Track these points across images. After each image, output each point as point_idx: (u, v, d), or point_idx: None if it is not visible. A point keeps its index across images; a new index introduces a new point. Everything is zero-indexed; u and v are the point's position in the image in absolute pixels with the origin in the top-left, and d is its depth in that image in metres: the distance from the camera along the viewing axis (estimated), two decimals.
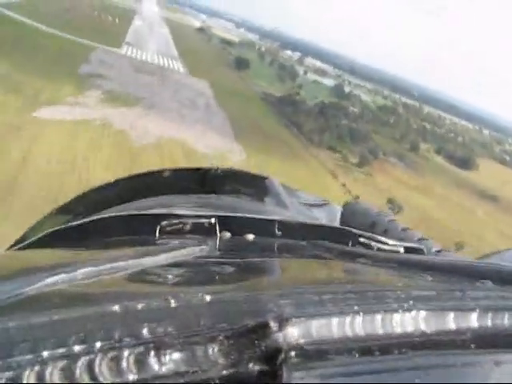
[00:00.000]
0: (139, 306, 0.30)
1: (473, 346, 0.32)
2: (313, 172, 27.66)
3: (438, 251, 0.86)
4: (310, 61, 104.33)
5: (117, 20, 59.98)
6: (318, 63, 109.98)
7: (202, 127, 27.16)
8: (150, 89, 30.54)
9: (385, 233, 0.93)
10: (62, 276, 0.37)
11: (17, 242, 0.87)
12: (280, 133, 34.43)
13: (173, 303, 0.31)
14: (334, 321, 0.31)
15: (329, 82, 78.92)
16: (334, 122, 41.89)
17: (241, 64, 56.60)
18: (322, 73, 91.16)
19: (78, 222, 0.66)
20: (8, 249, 0.84)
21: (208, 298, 0.32)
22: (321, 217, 1.18)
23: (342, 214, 1.19)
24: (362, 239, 0.69)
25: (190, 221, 0.63)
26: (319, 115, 43.19)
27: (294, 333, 0.29)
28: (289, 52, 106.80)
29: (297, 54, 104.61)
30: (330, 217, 1.21)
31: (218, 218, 0.64)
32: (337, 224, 1.11)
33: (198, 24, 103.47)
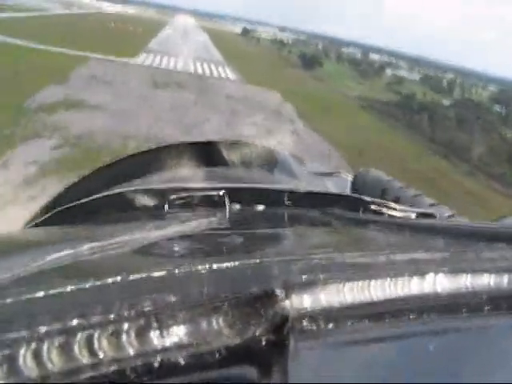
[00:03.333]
0: (140, 278, 0.29)
1: (488, 308, 0.31)
2: None
3: (450, 216, 0.85)
4: (373, 56, 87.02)
5: (140, 29, 46.06)
6: (378, 57, 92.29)
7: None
8: (180, 114, 15.00)
9: (396, 199, 0.92)
10: (66, 252, 0.37)
11: (31, 220, 0.88)
12: (426, 162, 17.55)
13: (175, 273, 0.30)
14: (344, 286, 0.29)
15: (413, 76, 61.49)
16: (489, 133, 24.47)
17: (310, 62, 40.39)
18: (395, 66, 73.40)
19: (87, 199, 0.66)
20: (24, 226, 0.84)
21: (211, 266, 0.31)
22: (331, 186, 1.15)
23: (353, 183, 1.17)
24: (372, 206, 0.69)
25: (199, 193, 0.64)
26: (460, 123, 25.88)
27: (301, 300, 0.28)
28: (346, 49, 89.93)
29: (357, 50, 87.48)
30: (341, 186, 1.17)
31: (227, 189, 0.64)
32: (347, 192, 1.06)
33: (238, 30, 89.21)
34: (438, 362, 0.28)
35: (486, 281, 0.32)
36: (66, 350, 0.24)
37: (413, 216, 0.68)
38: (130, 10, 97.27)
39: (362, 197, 0.72)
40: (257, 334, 0.27)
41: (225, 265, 0.32)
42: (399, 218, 0.66)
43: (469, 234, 0.44)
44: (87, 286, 0.28)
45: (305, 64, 40.76)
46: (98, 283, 0.29)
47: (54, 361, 0.23)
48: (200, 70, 27.32)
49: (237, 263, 0.32)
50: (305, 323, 0.27)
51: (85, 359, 0.24)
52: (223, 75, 27.13)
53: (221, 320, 0.27)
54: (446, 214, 0.84)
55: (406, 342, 0.28)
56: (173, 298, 0.27)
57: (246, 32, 77.52)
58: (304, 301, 0.28)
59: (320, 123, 17.89)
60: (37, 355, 0.23)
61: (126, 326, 0.25)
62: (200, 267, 0.31)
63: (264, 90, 23.69)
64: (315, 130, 16.75)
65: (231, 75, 27.52)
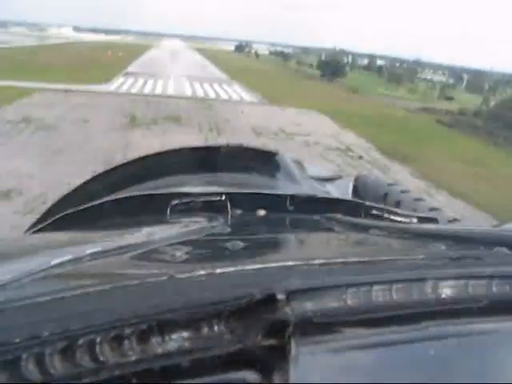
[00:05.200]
0: (142, 283, 0.29)
1: (489, 313, 0.31)
2: None
3: (452, 220, 0.85)
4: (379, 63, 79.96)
5: (120, 53, 38.60)
6: (383, 63, 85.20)
7: None
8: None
9: (397, 204, 0.93)
10: (69, 257, 0.37)
11: (33, 225, 0.88)
12: None
13: (176, 279, 0.30)
14: (345, 292, 0.29)
15: (438, 78, 54.00)
16: None
17: (329, 72, 32.61)
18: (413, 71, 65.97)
19: (89, 205, 0.67)
20: (26, 231, 0.84)
21: (213, 272, 0.31)
22: (332, 190, 1.13)
23: (354, 187, 1.16)
24: (374, 211, 0.69)
25: (201, 199, 0.64)
26: None
27: (302, 305, 0.28)
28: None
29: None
30: (342, 190, 1.15)
31: (229, 194, 0.64)
32: (349, 197, 1.06)
33: (230, 48, 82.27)
34: (439, 367, 0.27)
35: (487, 286, 0.32)
36: (68, 354, 0.23)
37: (414, 221, 0.68)
38: (114, 38, 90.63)
39: (364, 202, 0.72)
40: (258, 338, 0.26)
41: (226, 270, 0.31)
42: (401, 222, 0.66)
43: (470, 238, 0.44)
44: (90, 291, 0.28)
45: (324, 74, 33.01)
46: (101, 288, 0.28)
47: (57, 366, 0.23)
48: (200, 92, 19.37)
49: (238, 268, 0.32)
50: (306, 328, 0.27)
51: (87, 364, 0.24)
52: (234, 96, 19.12)
53: (222, 325, 0.26)
54: (447, 219, 0.82)
55: (407, 347, 0.28)
56: (174, 304, 0.26)
57: (240, 48, 70.57)
58: (305, 306, 0.28)
59: (435, 169, 9.75)
60: (39, 360, 0.23)
61: (127, 331, 0.25)
62: (202, 272, 0.31)
63: (300, 112, 15.69)
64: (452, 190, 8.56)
65: (245, 95, 19.53)
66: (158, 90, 18.45)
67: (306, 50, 64.65)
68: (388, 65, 49.80)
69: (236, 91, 20.68)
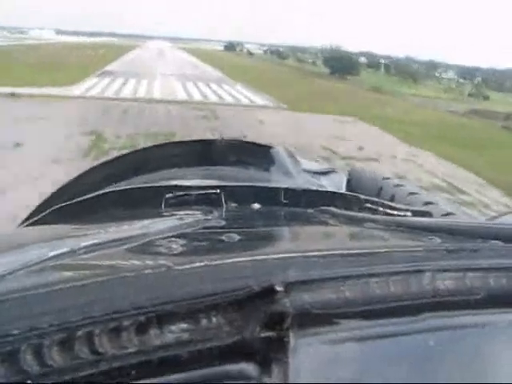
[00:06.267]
0: (139, 275, 0.29)
1: (486, 305, 0.32)
2: None
3: (446, 214, 0.85)
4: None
5: (102, 51, 34.21)
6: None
7: None
8: None
9: (392, 198, 0.93)
10: (66, 249, 0.37)
11: (26, 219, 0.87)
12: None
13: (174, 270, 0.30)
14: (343, 283, 0.29)
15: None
16: None
17: (340, 67, 28.52)
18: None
19: (83, 198, 0.67)
20: (20, 225, 0.84)
21: (210, 264, 0.31)
22: (326, 184, 1.14)
23: (349, 181, 1.15)
24: (368, 205, 0.69)
25: (195, 192, 0.64)
26: None
27: (300, 297, 0.28)
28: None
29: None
30: (336, 184, 1.16)
31: (223, 188, 0.65)
32: (343, 191, 1.05)
33: (219, 47, 77.85)
34: (436, 358, 0.28)
35: (484, 278, 0.32)
36: (66, 346, 0.24)
37: (409, 214, 0.68)
38: (97, 40, 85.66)
39: (359, 195, 0.72)
40: (256, 330, 0.26)
41: (224, 262, 0.32)
42: (396, 216, 0.66)
43: (465, 231, 0.44)
44: (88, 282, 0.28)
45: (333, 72, 28.90)
46: (99, 280, 0.28)
47: (55, 357, 0.23)
48: (196, 94, 15.04)
49: (236, 260, 0.32)
50: (304, 319, 0.27)
51: (85, 356, 0.24)
52: (242, 99, 14.78)
53: (221, 316, 0.26)
54: (441, 213, 0.83)
55: (405, 339, 0.28)
56: (173, 295, 0.26)
57: (230, 47, 66.09)
58: (303, 297, 0.28)
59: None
60: (38, 352, 0.23)
61: (126, 322, 0.25)
62: (199, 264, 0.31)
63: (336, 120, 11.48)
64: None
65: (254, 97, 15.21)
66: (141, 93, 14.06)
67: (294, 49, 60.53)
68: (392, 63, 45.76)
69: (241, 92, 16.36)
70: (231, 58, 42.18)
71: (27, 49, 32.34)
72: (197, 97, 14.43)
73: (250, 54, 55.08)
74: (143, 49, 51.21)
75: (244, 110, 12.26)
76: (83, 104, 10.86)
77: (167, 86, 16.32)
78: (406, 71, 34.71)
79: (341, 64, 28.71)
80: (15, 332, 0.23)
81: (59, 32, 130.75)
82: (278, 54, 52.48)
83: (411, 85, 29.65)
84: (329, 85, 22.72)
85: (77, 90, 13.37)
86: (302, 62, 41.93)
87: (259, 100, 14.60)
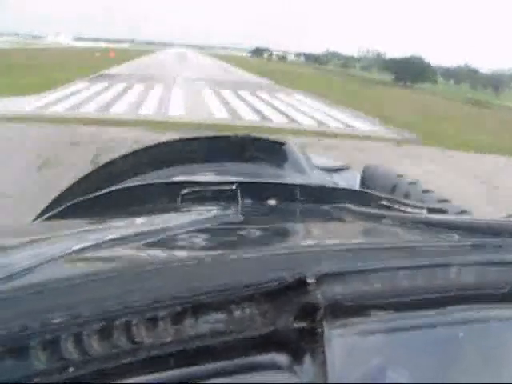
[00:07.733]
0: (173, 267, 0.30)
1: (505, 299, 0.32)
2: None
3: (461, 212, 0.85)
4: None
5: (97, 54, 28.72)
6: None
7: None
8: None
9: (406, 195, 0.93)
10: (90, 243, 0.37)
11: (42, 213, 0.87)
12: None
13: (207, 263, 0.31)
14: (374, 276, 0.30)
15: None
16: None
17: (407, 75, 22.32)
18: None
19: (101, 193, 0.67)
20: (34, 220, 0.84)
21: (242, 256, 0.31)
22: (340, 181, 1.12)
23: (362, 178, 1.15)
24: (383, 202, 0.69)
25: (212, 188, 0.64)
26: None
27: (332, 289, 0.28)
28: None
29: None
30: (349, 181, 1.15)
31: (240, 184, 0.65)
32: (357, 188, 1.07)
33: (243, 54, 72.24)
34: (463, 351, 0.28)
35: (509, 273, 0.33)
36: (105, 335, 0.24)
37: (424, 212, 0.67)
38: (113, 45, 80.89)
39: (375, 192, 0.72)
40: (289, 321, 0.27)
41: (255, 254, 0.32)
42: (412, 213, 0.66)
43: (481, 229, 0.44)
44: (124, 273, 0.29)
45: (398, 79, 22.70)
46: (135, 271, 0.29)
47: (94, 346, 0.24)
48: (243, 110, 8.83)
49: (267, 253, 0.32)
50: (336, 311, 0.27)
51: (123, 345, 0.24)
52: (331, 122, 8.49)
53: (254, 308, 0.27)
54: (456, 211, 0.83)
55: (433, 331, 0.29)
56: (207, 286, 0.27)
57: (257, 52, 60.27)
58: (335, 289, 0.28)
59: None
60: (78, 340, 0.24)
61: (162, 313, 0.25)
62: (231, 257, 0.31)
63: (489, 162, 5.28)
64: None
65: (350, 120, 8.91)
66: (148, 109, 7.98)
67: (332, 55, 54.33)
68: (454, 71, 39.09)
69: (316, 108, 10.13)
70: (265, 64, 36.20)
71: (20, 51, 27.09)
72: (245, 115, 8.26)
73: (283, 58, 49.15)
74: (163, 53, 45.76)
75: (357, 148, 6.02)
76: (36, 131, 4.86)
77: (193, 96, 10.29)
78: (488, 81, 28.10)
79: (409, 70, 22.38)
80: (56, 321, 0.24)
81: (79, 38, 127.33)
82: (314, 59, 46.40)
83: (498, 96, 23.20)
84: (404, 96, 16.54)
85: (39, 101, 7.56)
86: (347, 67, 35.66)
87: (359, 124, 8.30)
